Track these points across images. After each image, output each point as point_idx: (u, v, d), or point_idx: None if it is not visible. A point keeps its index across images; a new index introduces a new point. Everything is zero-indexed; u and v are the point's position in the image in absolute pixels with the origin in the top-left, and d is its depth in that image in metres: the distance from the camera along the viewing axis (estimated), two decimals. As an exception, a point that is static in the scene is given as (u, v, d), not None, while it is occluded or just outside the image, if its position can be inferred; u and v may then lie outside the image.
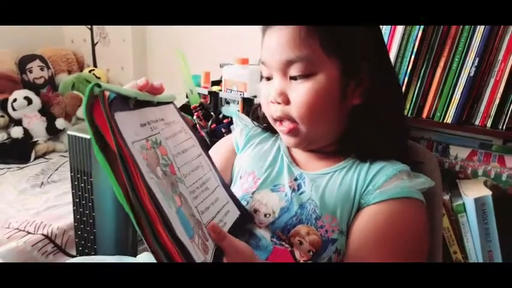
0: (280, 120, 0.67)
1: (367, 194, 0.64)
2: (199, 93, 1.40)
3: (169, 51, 1.85)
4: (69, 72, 2.24)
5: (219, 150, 0.84)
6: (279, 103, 0.65)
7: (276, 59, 0.64)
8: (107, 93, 0.42)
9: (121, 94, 0.45)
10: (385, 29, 1.05)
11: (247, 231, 0.71)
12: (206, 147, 0.66)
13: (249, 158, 0.77)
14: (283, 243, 0.66)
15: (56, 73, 2.19)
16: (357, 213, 0.64)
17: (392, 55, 1.04)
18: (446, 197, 1.07)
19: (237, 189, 0.74)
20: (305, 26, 0.60)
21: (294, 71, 0.62)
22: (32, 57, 2.08)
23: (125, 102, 0.47)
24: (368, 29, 0.64)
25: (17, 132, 1.86)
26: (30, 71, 2.06)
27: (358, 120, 0.67)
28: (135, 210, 0.40)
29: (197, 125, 1.27)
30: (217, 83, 1.49)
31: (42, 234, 1.30)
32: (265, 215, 0.69)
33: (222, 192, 0.64)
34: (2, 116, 1.88)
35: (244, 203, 0.71)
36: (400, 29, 1.02)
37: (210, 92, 1.39)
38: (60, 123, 1.99)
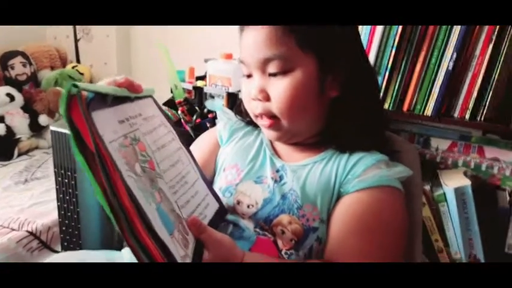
0: (261, 116, 0.68)
1: (347, 183, 0.66)
2: (183, 88, 1.40)
3: (153, 46, 1.85)
4: (52, 68, 2.20)
5: (203, 143, 0.85)
6: (259, 100, 0.66)
7: (254, 58, 0.65)
8: (85, 93, 0.42)
9: (99, 92, 0.45)
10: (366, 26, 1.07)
11: (230, 223, 0.72)
12: (187, 140, 0.67)
13: (233, 151, 0.78)
14: (266, 233, 0.67)
15: (39, 69, 2.15)
16: (337, 202, 0.66)
17: (373, 51, 1.06)
18: (428, 187, 1.10)
19: (221, 181, 0.75)
20: (281, 26, 0.62)
21: (272, 68, 0.64)
22: (13, 54, 2.04)
23: (103, 99, 0.47)
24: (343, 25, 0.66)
25: (-1, 129, 1.84)
26: (12, 68, 2.03)
27: (337, 112, 0.68)
28: (114, 209, 0.40)
29: (182, 120, 1.28)
30: (202, 78, 1.49)
31: (27, 231, 1.29)
32: (248, 206, 0.70)
33: (201, 185, 0.65)
34: (-16, 113, 1.85)
35: (227, 194, 0.72)
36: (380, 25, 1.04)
37: (194, 87, 1.39)
38: (43, 119, 1.96)
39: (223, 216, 0.69)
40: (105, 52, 2.14)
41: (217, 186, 0.75)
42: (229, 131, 0.82)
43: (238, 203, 0.71)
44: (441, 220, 1.11)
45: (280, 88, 0.64)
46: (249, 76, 0.69)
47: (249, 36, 0.65)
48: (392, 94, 1.09)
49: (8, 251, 1.24)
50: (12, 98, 1.90)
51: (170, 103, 1.39)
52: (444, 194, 1.09)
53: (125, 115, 0.51)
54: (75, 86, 0.41)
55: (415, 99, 1.08)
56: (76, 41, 2.27)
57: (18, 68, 2.04)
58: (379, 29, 1.05)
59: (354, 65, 0.68)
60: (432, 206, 1.11)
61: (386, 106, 1.10)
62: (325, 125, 0.70)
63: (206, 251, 0.53)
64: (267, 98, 0.66)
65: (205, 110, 1.30)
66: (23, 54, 2.07)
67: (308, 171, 0.69)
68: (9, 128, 1.86)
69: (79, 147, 0.41)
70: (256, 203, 0.70)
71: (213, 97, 1.34)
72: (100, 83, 0.52)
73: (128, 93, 0.53)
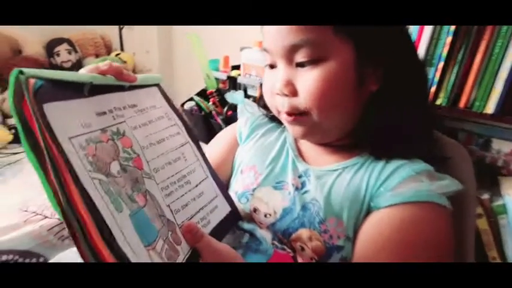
0: (287, 113, 0.58)
1: (379, 196, 0.55)
2: (217, 79, 1.34)
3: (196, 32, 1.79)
4: (97, 55, 2.22)
5: (220, 140, 0.77)
6: (286, 95, 0.56)
7: (278, 44, 0.55)
8: (32, 81, 0.35)
9: (60, 80, 0.38)
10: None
11: (247, 232, 0.64)
12: (194, 136, 0.59)
13: (252, 150, 0.69)
14: (285, 247, 0.58)
15: (84, 57, 2.18)
16: (366, 217, 0.55)
17: (425, 37, 0.93)
18: (486, 196, 0.95)
19: (237, 185, 0.67)
20: None
21: (300, 56, 0.54)
22: (59, 41, 2.08)
23: (74, 89, 0.40)
24: None
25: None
26: (58, 55, 2.07)
27: (375, 110, 0.57)
28: (66, 215, 0.34)
29: (213, 112, 1.21)
30: (238, 67, 1.41)
31: (58, 219, 1.29)
32: (265, 215, 0.61)
33: (210, 186, 0.57)
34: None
35: (244, 200, 0.65)
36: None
37: (228, 77, 1.32)
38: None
39: (234, 221, 0.61)
40: (148, 40, 2.12)
41: (233, 190, 0.67)
42: (250, 127, 0.73)
43: (255, 210, 0.63)
44: (500, 235, 0.96)
45: (310, 80, 0.54)
46: (273, 66, 0.59)
47: None
48: (447, 88, 0.95)
49: (40, 238, 1.25)
50: (56, 85, 1.93)
51: (203, 93, 1.32)
52: (504, 204, 0.94)
53: (107, 106, 0.45)
54: (22, 72, 0.34)
55: (473, 94, 0.94)
56: (120, 28, 2.27)
57: (63, 55, 2.07)
58: (434, 12, 0.91)
59: (398, 55, 0.56)
60: (490, 218, 0.96)
61: (439, 102, 0.96)
62: (361, 124, 0.60)
63: (202, 260, 0.46)
64: (294, 93, 0.56)
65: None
66: (68, 41, 2.10)
67: (335, 179, 0.59)
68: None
69: (29, 142, 0.35)
70: (275, 213, 0.61)
71: (239, 89, 1.25)
72: (81, 70, 0.46)
73: (115, 82, 0.47)
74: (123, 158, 0.43)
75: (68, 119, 0.38)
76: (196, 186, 0.54)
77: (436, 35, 0.92)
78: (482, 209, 0.95)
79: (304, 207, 0.59)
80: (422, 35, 0.93)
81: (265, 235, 0.61)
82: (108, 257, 0.34)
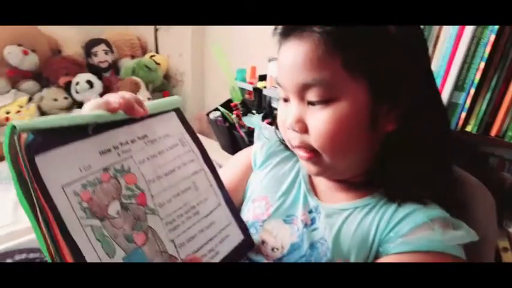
0: (298, 147, 0.57)
1: (388, 241, 0.53)
2: (243, 89, 1.33)
3: (227, 39, 1.79)
4: (133, 57, 2.28)
5: (235, 164, 0.76)
6: (296, 131, 0.55)
7: (290, 81, 0.54)
8: (24, 135, 0.36)
9: (61, 127, 0.39)
10: (450, 30, 0.88)
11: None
12: (210, 161, 0.58)
13: (264, 180, 0.68)
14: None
15: (120, 57, 2.24)
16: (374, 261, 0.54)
17: (457, 61, 0.88)
18: (514, 230, 0.90)
19: (248, 213, 0.66)
20: (324, 43, 0.50)
21: (311, 95, 0.52)
22: (97, 41, 2.14)
23: (77, 130, 0.41)
24: (403, 36, 0.51)
25: (78, 114, 1.93)
26: (95, 55, 2.13)
27: (391, 151, 0.55)
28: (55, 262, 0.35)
29: (236, 124, 1.21)
30: (265, 77, 1.40)
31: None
32: (272, 249, 0.60)
33: (222, 214, 0.56)
34: (66, 98, 1.96)
35: (253, 230, 0.63)
36: (469, 30, 0.86)
37: (254, 88, 1.31)
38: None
39: (247, 250, 0.60)
40: (181, 43, 2.15)
41: (243, 218, 0.67)
42: (266, 154, 0.72)
43: (263, 242, 0.62)
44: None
45: (320, 120, 0.52)
46: (286, 100, 0.58)
47: (287, 54, 0.54)
48: (478, 115, 0.90)
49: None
50: (91, 85, 1.99)
51: (228, 104, 1.32)
52: (535, 241, 0.88)
53: (113, 143, 0.45)
54: (15, 127, 0.35)
55: (506, 123, 0.88)
56: (156, 30, 2.31)
57: (100, 56, 2.14)
58: (467, 35, 0.86)
59: (417, 95, 0.53)
60: (517, 254, 0.91)
61: (469, 129, 0.92)
62: (376, 165, 0.57)
63: None
64: (305, 130, 0.54)
65: (261, 116, 1.21)
66: (106, 42, 2.16)
67: (345, 219, 0.57)
68: (87, 114, 1.96)
69: (23, 192, 0.35)
70: (282, 247, 0.60)
71: (259, 108, 1.24)
72: (92, 102, 0.46)
73: (121, 117, 0.46)
74: (125, 196, 0.43)
75: (63, 166, 0.38)
76: (207, 216, 0.53)
77: (468, 59, 0.88)
78: (509, 244, 0.90)
79: (312, 246, 0.58)
80: (454, 59, 0.89)
81: None
82: None
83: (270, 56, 1.37)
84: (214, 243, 0.53)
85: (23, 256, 1.20)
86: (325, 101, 0.51)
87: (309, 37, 0.51)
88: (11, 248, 1.18)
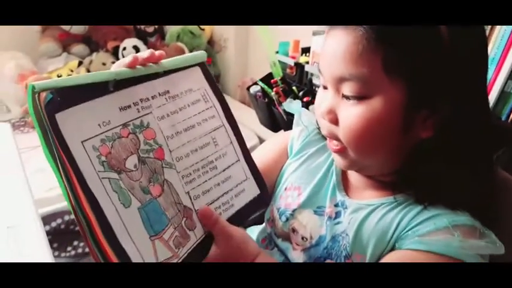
0: (328, 138, 0.57)
1: (404, 238, 0.52)
2: (284, 63, 1.30)
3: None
4: (178, 21, 2.28)
5: (271, 148, 0.75)
6: (326, 120, 0.55)
7: (328, 71, 0.53)
8: (43, 94, 0.38)
9: (79, 85, 0.41)
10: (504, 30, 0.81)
11: (280, 250, 0.64)
12: (232, 117, 0.58)
13: (298, 170, 0.68)
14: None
15: (166, 21, 2.25)
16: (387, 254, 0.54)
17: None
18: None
19: (281, 201, 0.67)
20: (366, 39, 0.47)
21: (346, 89, 0.51)
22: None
23: (97, 87, 0.43)
24: (456, 41, 0.47)
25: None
26: (142, 20, 2.15)
27: (425, 155, 0.53)
28: (76, 214, 0.40)
29: (275, 101, 1.20)
30: (309, 50, 1.36)
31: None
32: (302, 238, 0.62)
33: (239, 169, 0.57)
34: (113, 63, 2.02)
35: (283, 218, 0.65)
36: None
37: (296, 63, 1.28)
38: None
39: (262, 205, 0.61)
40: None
41: (276, 205, 0.68)
42: (302, 143, 0.71)
43: (293, 231, 0.63)
44: None
45: (351, 115, 0.51)
46: (325, 88, 0.56)
47: (331, 42, 0.52)
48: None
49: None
50: (137, 50, 2.03)
51: (268, 80, 1.30)
52: None
53: (133, 99, 0.46)
54: (33, 87, 0.37)
55: None
56: (202, -5, 2.28)
57: (147, 21, 2.15)
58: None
59: (463, 103, 0.50)
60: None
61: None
62: (407, 166, 0.55)
63: (214, 245, 0.49)
64: (335, 121, 0.54)
65: (301, 94, 1.19)
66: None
67: (368, 213, 0.57)
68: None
69: (48, 148, 0.39)
70: (311, 238, 0.61)
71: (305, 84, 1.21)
72: (112, 67, 0.48)
73: (141, 72, 0.47)
74: (143, 150, 0.46)
75: (83, 123, 0.41)
76: (224, 170, 0.55)
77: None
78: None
79: (333, 239, 0.58)
80: (511, 47, 0.81)
81: (296, 258, 0.62)
82: (111, 254, 0.39)
83: (315, 29, 1.32)
84: (230, 196, 0.54)
85: (72, 216, 1.29)
86: (359, 97, 0.50)
87: (354, 30, 0.49)
88: (62, 209, 1.28)
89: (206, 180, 0.52)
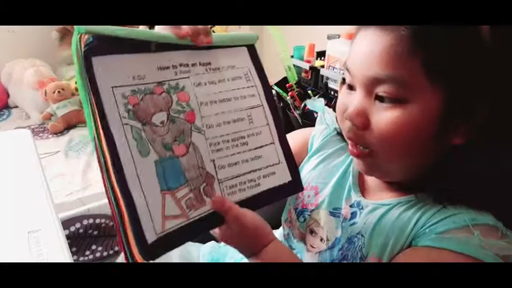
0: (352, 142, 0.55)
1: (421, 235, 0.51)
2: (300, 67, 1.30)
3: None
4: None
5: (292, 143, 0.75)
6: (355, 125, 0.52)
7: (361, 72, 0.50)
8: (85, 36, 0.41)
9: (123, 37, 0.44)
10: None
11: (293, 250, 0.64)
12: (273, 102, 0.59)
13: (316, 170, 0.67)
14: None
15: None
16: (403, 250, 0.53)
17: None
18: None
19: (298, 200, 0.67)
20: (407, 39, 0.46)
21: (381, 90, 0.48)
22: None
23: (140, 44, 0.45)
24: (500, 45, 0.46)
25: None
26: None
27: (454, 162, 0.51)
28: (97, 153, 0.42)
29: (290, 105, 1.19)
30: (324, 54, 1.36)
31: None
32: (321, 239, 0.61)
33: (273, 152, 0.57)
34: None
35: (301, 219, 0.65)
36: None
37: (311, 67, 1.28)
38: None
39: (292, 192, 0.61)
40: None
41: (293, 204, 0.67)
42: (321, 142, 0.70)
43: (312, 232, 0.63)
44: None
45: (385, 120, 0.49)
46: (351, 88, 0.54)
47: (365, 42, 0.50)
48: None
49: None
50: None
51: (283, 84, 1.30)
52: None
53: (172, 62, 0.49)
54: (79, 28, 0.41)
55: None
56: None
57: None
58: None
59: (502, 105, 0.48)
60: None
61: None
62: (432, 171, 0.54)
63: (223, 226, 0.50)
64: (364, 126, 0.51)
65: (317, 97, 1.19)
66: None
67: (384, 212, 0.56)
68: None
69: (85, 89, 0.42)
70: (328, 240, 0.60)
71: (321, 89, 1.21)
72: (157, 27, 0.50)
73: (186, 43, 0.49)
74: (174, 110, 0.48)
75: (117, 71, 0.43)
76: (255, 149, 0.55)
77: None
78: None
79: (349, 240, 0.57)
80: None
81: (310, 260, 0.62)
82: (120, 197, 0.41)
83: (329, 33, 1.32)
84: (257, 175, 0.54)
85: (91, 221, 1.30)
86: (396, 100, 0.48)
87: (393, 30, 0.47)
88: (81, 213, 1.29)
89: (234, 154, 0.53)
